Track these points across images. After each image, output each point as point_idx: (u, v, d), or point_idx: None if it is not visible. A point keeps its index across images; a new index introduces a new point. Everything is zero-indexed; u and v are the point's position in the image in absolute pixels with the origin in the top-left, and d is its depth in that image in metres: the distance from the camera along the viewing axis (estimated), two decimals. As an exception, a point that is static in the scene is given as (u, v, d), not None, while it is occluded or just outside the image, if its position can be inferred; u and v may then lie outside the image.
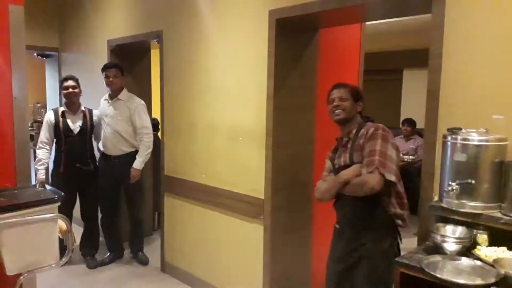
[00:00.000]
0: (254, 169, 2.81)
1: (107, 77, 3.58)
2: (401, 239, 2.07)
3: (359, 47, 3.29)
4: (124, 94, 3.64)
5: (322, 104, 2.99)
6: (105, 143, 3.66)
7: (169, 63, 3.46)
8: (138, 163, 3.56)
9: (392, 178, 1.92)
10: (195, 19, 3.18)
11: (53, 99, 5.21)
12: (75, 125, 3.60)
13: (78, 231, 3.61)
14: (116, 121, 3.58)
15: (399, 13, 2.69)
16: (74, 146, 3.59)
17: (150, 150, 3.60)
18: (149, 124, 3.64)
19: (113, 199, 3.77)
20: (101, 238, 3.92)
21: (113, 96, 3.63)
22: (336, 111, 2.16)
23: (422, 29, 5.07)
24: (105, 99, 3.70)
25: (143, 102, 3.69)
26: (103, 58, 4.15)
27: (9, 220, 1.90)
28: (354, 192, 1.99)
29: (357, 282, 2.07)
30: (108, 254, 3.87)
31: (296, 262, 2.99)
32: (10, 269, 1.95)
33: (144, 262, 3.84)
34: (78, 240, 3.76)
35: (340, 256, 2.16)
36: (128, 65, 4.07)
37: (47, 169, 3.58)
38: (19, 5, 2.26)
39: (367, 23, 3.30)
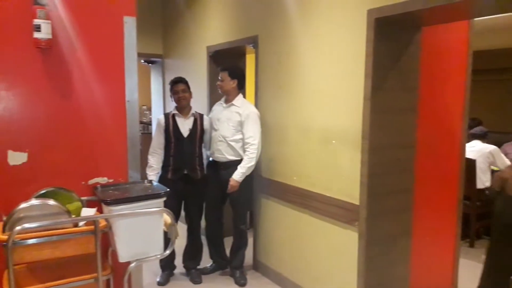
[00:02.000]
0: (348, 173, 2.75)
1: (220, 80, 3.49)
2: None
3: (467, 45, 3.06)
4: (239, 100, 3.47)
5: (425, 106, 2.84)
6: (212, 149, 3.54)
7: (263, 66, 3.54)
8: (238, 175, 3.33)
9: None
10: (289, 22, 3.21)
11: (157, 102, 5.64)
12: (185, 128, 3.45)
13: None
14: (226, 127, 3.43)
15: (516, 7, 2.43)
16: (183, 151, 3.43)
17: (253, 163, 3.36)
18: (257, 136, 3.37)
19: (218, 207, 3.63)
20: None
21: (228, 101, 3.49)
22: None
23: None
24: (220, 103, 3.59)
25: (256, 111, 3.46)
26: (203, 63, 4.38)
27: (122, 212, 2.09)
28: None
29: None
30: (210, 264, 3.78)
31: (393, 272, 2.85)
32: (122, 257, 2.14)
33: (241, 284, 3.53)
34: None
35: None
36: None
37: (157, 175, 3.47)
38: (132, 16, 2.47)
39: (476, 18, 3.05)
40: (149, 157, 3.45)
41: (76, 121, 2.38)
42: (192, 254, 3.69)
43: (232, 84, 3.45)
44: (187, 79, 3.55)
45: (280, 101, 3.35)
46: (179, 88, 3.46)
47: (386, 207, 2.74)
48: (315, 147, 3.01)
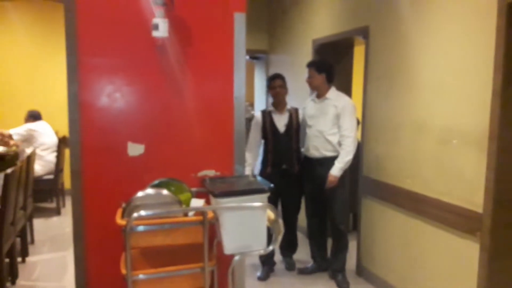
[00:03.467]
0: (470, 178, 2.46)
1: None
2: None
3: None
4: (332, 92, 3.37)
5: None
6: (307, 145, 3.47)
7: (374, 58, 3.34)
8: (336, 169, 3.24)
9: None
10: (404, 10, 2.97)
11: (260, 99, 5.71)
12: (281, 124, 3.52)
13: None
14: (322, 122, 3.34)
15: None
16: (280, 146, 3.51)
17: (350, 157, 3.25)
18: (354, 128, 3.29)
19: (317, 205, 3.52)
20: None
21: (321, 95, 3.40)
22: None
23: None
24: (312, 99, 3.50)
25: (353, 102, 3.35)
26: (308, 57, 4.30)
27: (229, 205, 2.12)
28: None
29: None
30: (312, 263, 3.70)
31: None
32: (228, 249, 2.16)
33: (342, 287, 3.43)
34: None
35: None
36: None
37: (252, 171, 3.57)
38: (242, 12, 2.49)
39: None
40: (246, 153, 3.47)
41: (187, 116, 2.47)
42: (287, 247, 3.78)
43: (320, 78, 3.37)
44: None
45: (392, 96, 3.13)
46: (276, 84, 3.51)
47: (516, 217, 2.40)
48: (432, 147, 2.75)
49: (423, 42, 2.81)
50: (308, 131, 3.47)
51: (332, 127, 3.32)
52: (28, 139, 5.09)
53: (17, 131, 5.03)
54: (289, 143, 3.52)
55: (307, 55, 4.35)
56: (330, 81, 3.41)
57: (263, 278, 3.61)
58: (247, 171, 3.45)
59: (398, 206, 3.07)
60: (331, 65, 3.47)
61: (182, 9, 2.35)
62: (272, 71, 5.34)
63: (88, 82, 2.28)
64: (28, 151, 5.04)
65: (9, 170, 3.21)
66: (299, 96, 4.06)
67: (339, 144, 3.31)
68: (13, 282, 3.37)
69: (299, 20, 4.63)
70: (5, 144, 5.05)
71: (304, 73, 4.03)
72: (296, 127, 3.54)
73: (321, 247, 3.67)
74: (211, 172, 2.53)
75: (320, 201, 3.52)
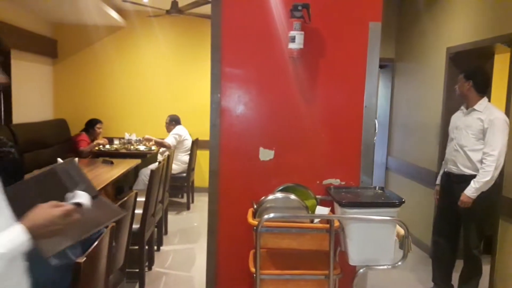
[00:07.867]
0: None
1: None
2: None
3: None
4: (482, 104, 3.04)
5: None
6: (446, 158, 3.29)
7: (522, 68, 3.02)
8: (471, 190, 2.94)
9: None
10: None
11: (384, 108, 5.52)
12: None
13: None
14: (464, 135, 3.08)
15: None
16: None
17: (489, 178, 2.90)
18: (498, 145, 2.90)
19: (448, 223, 3.27)
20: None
21: (469, 105, 3.12)
22: None
23: None
24: (460, 109, 3.25)
25: (505, 117, 2.95)
26: (440, 66, 4.05)
27: (359, 216, 2.12)
28: None
29: None
30: (432, 286, 3.41)
31: None
32: (353, 260, 2.16)
33: None
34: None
35: None
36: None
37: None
38: (377, 22, 2.47)
39: None
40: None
41: (316, 124, 2.53)
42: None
43: (466, 85, 3.07)
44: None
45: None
46: None
47: None
48: None
49: None
50: (448, 143, 3.27)
51: (476, 143, 3.02)
52: (178, 144, 5.57)
53: (173, 140, 5.49)
54: None
55: (440, 64, 4.09)
56: (479, 91, 3.07)
57: None
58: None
59: (547, 234, 2.72)
60: (483, 73, 3.20)
61: (318, 21, 2.41)
62: (399, 80, 5.15)
63: (228, 91, 2.48)
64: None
65: (153, 167, 3.64)
66: (428, 107, 3.84)
67: (481, 162, 2.98)
68: (150, 268, 3.77)
69: (432, 26, 4.38)
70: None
71: (436, 82, 3.82)
72: None
73: (444, 271, 3.34)
74: (336, 181, 2.54)
75: (452, 220, 3.24)
